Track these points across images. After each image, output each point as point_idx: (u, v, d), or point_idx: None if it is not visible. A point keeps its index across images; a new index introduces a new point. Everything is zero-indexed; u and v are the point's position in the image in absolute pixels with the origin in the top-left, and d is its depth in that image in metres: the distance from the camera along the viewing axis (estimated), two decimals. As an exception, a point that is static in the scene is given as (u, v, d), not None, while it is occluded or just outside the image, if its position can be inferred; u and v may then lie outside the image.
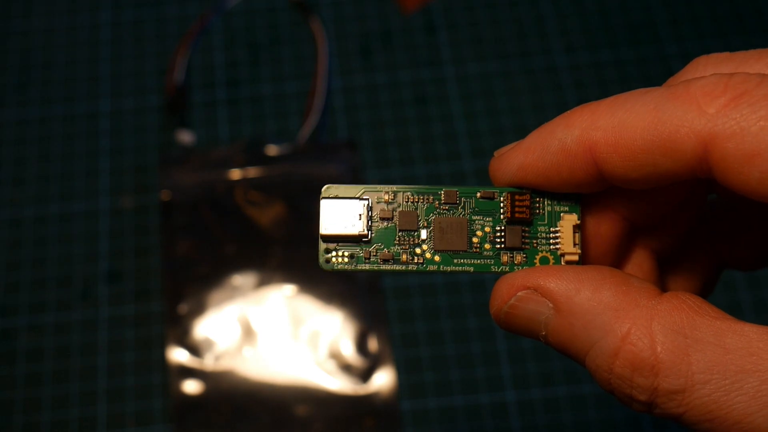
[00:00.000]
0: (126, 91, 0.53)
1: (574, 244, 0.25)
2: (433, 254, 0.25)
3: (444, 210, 0.25)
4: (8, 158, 0.51)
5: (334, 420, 0.43)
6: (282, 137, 0.50)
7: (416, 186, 0.25)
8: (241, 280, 0.46)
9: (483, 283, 0.46)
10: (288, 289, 0.46)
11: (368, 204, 0.25)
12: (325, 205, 0.25)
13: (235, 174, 0.48)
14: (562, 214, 0.25)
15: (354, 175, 0.49)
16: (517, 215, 0.25)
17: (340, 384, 0.44)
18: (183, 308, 0.45)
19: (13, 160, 0.51)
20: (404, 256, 0.25)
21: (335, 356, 0.44)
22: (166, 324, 0.45)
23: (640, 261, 0.26)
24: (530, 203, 0.25)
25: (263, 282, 0.46)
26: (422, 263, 0.25)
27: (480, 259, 0.25)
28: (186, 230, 0.47)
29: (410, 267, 0.25)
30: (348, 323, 0.45)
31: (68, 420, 0.43)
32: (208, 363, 0.44)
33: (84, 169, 0.50)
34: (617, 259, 0.25)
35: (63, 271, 0.47)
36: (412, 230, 0.25)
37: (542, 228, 0.25)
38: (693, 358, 0.20)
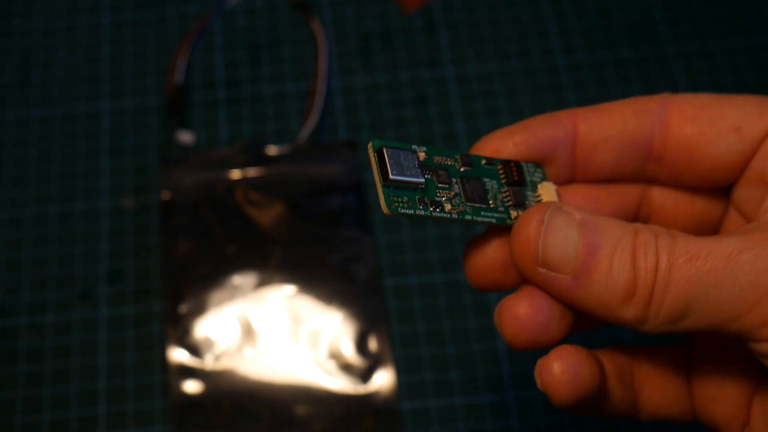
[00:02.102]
0: (126, 91, 0.53)
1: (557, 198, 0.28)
2: (466, 206, 0.27)
3: (463, 171, 0.27)
4: (8, 158, 0.51)
5: (334, 420, 0.43)
6: (282, 137, 0.50)
7: (438, 148, 0.27)
8: (241, 280, 0.46)
9: (483, 283, 0.46)
10: (288, 289, 0.46)
11: (418, 155, 0.26)
12: (389, 153, 0.25)
13: (235, 174, 0.48)
14: (539, 184, 0.28)
15: (354, 175, 0.49)
16: (514, 178, 0.28)
17: (340, 384, 0.44)
18: (183, 308, 0.45)
19: (13, 160, 0.51)
20: (448, 206, 0.26)
21: (335, 356, 0.44)
22: (166, 324, 0.45)
23: None
24: (519, 169, 0.28)
25: (263, 282, 0.46)
26: (461, 213, 0.26)
27: (497, 213, 0.27)
28: (186, 230, 0.47)
29: (453, 216, 0.26)
30: (348, 323, 0.45)
31: (68, 420, 0.43)
32: (208, 363, 0.44)
33: (84, 169, 0.50)
34: None
35: (63, 271, 0.47)
36: (448, 184, 0.26)
37: (529, 193, 0.28)
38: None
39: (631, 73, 0.52)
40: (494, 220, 0.27)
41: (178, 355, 0.44)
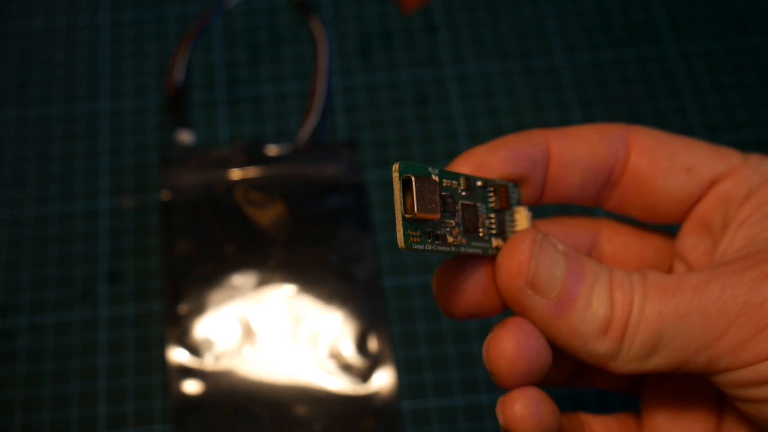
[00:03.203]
0: (126, 91, 0.53)
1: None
2: (462, 237, 0.26)
3: (464, 195, 0.26)
4: (8, 158, 0.51)
5: (334, 420, 0.43)
6: (282, 137, 0.50)
7: (446, 170, 0.26)
8: (241, 280, 0.46)
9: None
10: (288, 289, 0.46)
11: (439, 185, 0.25)
12: (417, 184, 0.24)
13: (235, 174, 0.48)
14: (515, 207, 0.28)
15: (354, 175, 0.49)
16: (502, 205, 0.27)
17: (340, 384, 0.44)
18: (183, 308, 0.45)
19: (13, 160, 0.51)
20: (450, 239, 0.25)
21: (335, 356, 0.44)
22: (166, 324, 0.45)
23: None
24: (507, 196, 0.28)
25: (263, 282, 0.46)
26: (457, 246, 0.26)
27: (483, 242, 0.27)
28: (186, 230, 0.47)
29: (452, 249, 0.25)
30: (348, 323, 0.45)
31: (68, 420, 0.43)
32: (208, 363, 0.44)
33: (84, 169, 0.50)
34: None
35: (63, 271, 0.47)
36: (452, 213, 0.26)
37: (507, 218, 0.28)
38: None
39: (631, 73, 0.52)
40: (480, 251, 0.27)
41: (177, 355, 0.44)
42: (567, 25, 0.54)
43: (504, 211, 0.28)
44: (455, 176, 0.26)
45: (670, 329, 0.25)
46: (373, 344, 0.45)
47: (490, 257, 0.27)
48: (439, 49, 0.54)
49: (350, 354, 0.44)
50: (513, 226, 0.28)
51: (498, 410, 0.26)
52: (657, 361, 0.25)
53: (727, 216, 0.28)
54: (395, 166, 0.24)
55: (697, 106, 0.51)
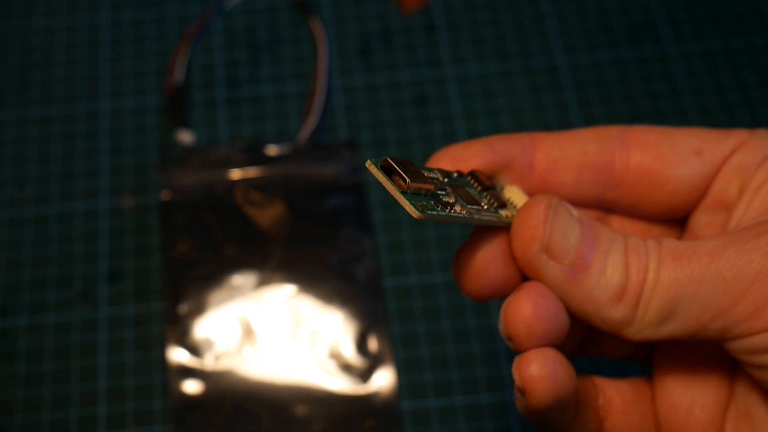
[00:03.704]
0: (126, 91, 0.53)
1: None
2: (468, 208, 0.26)
3: (446, 181, 0.27)
4: (8, 158, 0.51)
5: (334, 420, 0.43)
6: (282, 137, 0.50)
7: (419, 164, 0.27)
8: (241, 280, 0.46)
9: (483, 283, 0.46)
10: (288, 289, 0.46)
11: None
12: (396, 162, 0.25)
13: (235, 174, 0.48)
14: (505, 189, 0.29)
15: (354, 175, 0.49)
16: (487, 183, 0.28)
17: (340, 384, 0.44)
18: (183, 308, 0.45)
19: (13, 160, 0.51)
20: (458, 208, 0.26)
21: (335, 356, 0.44)
22: (166, 324, 0.45)
23: None
24: (486, 176, 0.28)
25: (263, 282, 0.46)
26: (470, 213, 0.26)
27: (492, 214, 0.27)
28: (186, 230, 0.47)
29: (466, 215, 0.26)
30: (348, 323, 0.45)
31: (68, 420, 0.43)
32: (208, 363, 0.44)
33: (84, 169, 0.50)
34: None
35: (63, 271, 0.47)
36: (444, 190, 0.26)
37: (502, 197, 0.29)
38: None
39: (631, 73, 0.52)
40: (495, 219, 0.27)
41: (178, 355, 0.44)
42: (567, 25, 0.54)
43: (493, 189, 0.28)
44: (429, 169, 0.27)
45: (686, 295, 0.24)
46: (373, 344, 0.45)
47: (506, 227, 0.27)
48: (439, 49, 0.54)
49: (350, 354, 0.44)
50: (513, 204, 0.28)
51: (514, 370, 0.26)
52: (672, 328, 0.25)
53: (742, 184, 0.28)
54: (368, 162, 0.25)
55: (697, 106, 0.51)
